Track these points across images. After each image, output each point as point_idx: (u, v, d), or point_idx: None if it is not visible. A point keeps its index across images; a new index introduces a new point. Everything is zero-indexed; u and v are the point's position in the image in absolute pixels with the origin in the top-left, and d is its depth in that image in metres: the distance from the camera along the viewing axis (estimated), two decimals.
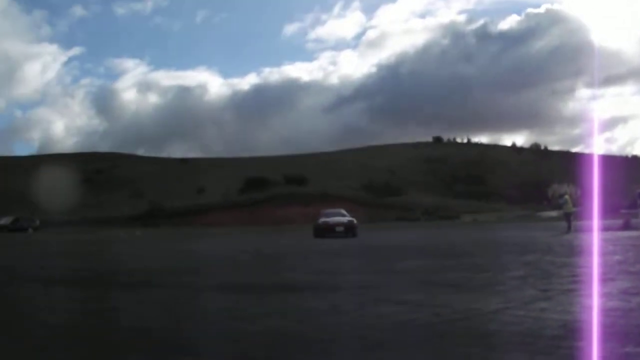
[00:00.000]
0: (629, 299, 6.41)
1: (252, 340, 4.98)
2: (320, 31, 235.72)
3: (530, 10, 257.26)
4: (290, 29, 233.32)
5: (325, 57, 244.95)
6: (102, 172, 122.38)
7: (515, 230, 32.81)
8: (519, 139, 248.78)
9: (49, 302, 7.75)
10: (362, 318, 5.86)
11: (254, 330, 5.36)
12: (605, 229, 24.94)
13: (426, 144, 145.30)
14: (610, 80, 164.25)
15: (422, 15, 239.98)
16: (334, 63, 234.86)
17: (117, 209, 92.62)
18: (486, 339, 4.70)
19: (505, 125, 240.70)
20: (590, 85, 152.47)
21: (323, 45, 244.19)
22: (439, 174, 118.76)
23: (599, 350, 4.13)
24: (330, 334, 5.14)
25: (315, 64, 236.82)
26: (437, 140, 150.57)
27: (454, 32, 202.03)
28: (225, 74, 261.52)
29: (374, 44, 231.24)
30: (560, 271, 9.61)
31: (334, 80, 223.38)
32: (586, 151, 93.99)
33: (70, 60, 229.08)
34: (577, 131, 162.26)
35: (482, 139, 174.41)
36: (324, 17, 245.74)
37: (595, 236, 20.31)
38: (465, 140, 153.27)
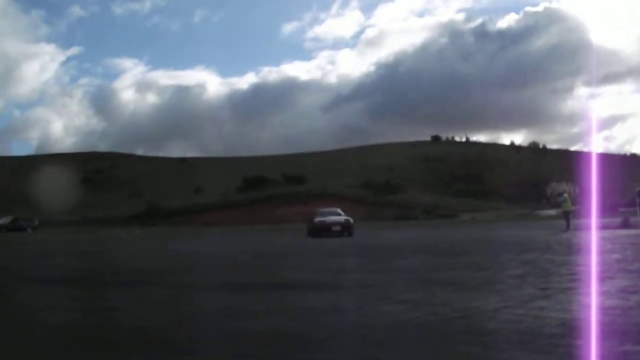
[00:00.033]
0: (627, 298, 6.42)
1: (252, 340, 4.98)
2: (319, 30, 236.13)
3: (528, 8, 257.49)
4: (288, 28, 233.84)
5: (323, 56, 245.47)
6: (100, 172, 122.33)
7: (513, 228, 32.82)
8: (518, 137, 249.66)
9: (49, 302, 7.76)
10: (362, 317, 5.86)
11: (254, 330, 5.36)
12: (603, 227, 24.96)
13: (425, 142, 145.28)
14: (609, 78, 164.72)
15: (421, 14, 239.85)
16: (332, 62, 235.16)
17: (116, 208, 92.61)
18: (485, 338, 4.71)
19: (503, 124, 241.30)
20: (588, 83, 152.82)
21: (321, 44, 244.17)
22: (438, 172, 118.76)
23: (598, 348, 4.14)
24: (330, 332, 5.15)
25: (313, 63, 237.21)
26: (436, 139, 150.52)
27: (452, 31, 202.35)
28: (224, 73, 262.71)
29: (372, 43, 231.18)
30: (559, 270, 9.62)
31: (332, 79, 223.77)
32: (585, 149, 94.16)
33: (68, 59, 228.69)
34: (575, 129, 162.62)
35: (481, 137, 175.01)
36: (322, 16, 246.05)
37: (593, 234, 20.33)
38: (463, 139, 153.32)
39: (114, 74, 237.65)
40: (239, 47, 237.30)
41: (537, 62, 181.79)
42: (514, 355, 4.15)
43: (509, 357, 4.11)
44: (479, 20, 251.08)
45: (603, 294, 6.69)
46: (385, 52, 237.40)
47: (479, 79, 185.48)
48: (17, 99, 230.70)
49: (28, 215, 60.06)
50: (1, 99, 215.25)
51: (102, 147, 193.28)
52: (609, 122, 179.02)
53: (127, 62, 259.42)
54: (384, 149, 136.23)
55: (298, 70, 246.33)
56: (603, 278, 8.10)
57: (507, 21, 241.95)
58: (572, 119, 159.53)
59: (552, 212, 58.83)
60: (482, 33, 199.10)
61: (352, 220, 29.03)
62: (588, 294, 6.75)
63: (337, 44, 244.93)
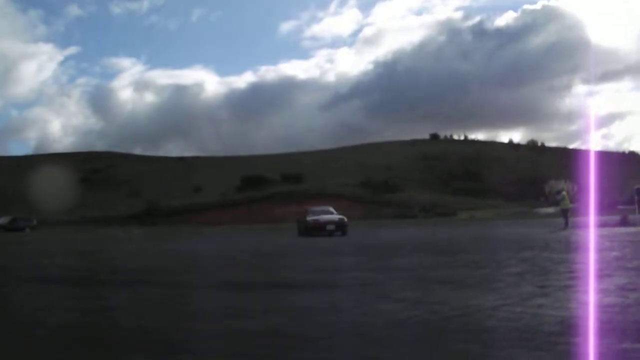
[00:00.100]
0: (626, 295, 6.42)
1: (251, 339, 4.98)
2: (317, 29, 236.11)
3: (526, 6, 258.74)
4: (286, 26, 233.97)
5: (321, 55, 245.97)
6: (99, 172, 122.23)
7: (512, 226, 32.86)
8: (516, 135, 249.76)
9: (48, 302, 7.74)
10: (360, 315, 5.86)
11: (252, 329, 5.36)
12: (602, 225, 25.00)
13: (423, 141, 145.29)
14: (607, 76, 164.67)
15: (419, 12, 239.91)
16: (330, 61, 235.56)
17: (115, 208, 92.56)
18: (484, 336, 4.70)
19: (502, 122, 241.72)
20: (586, 81, 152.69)
21: (319, 42, 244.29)
22: (436, 171, 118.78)
23: (597, 346, 4.14)
24: (328, 331, 5.14)
25: (311, 62, 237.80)
26: (434, 137, 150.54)
27: (450, 29, 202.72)
28: (222, 72, 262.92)
29: (370, 41, 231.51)
30: (557, 267, 9.63)
31: (330, 78, 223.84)
32: (583, 147, 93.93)
33: (66, 59, 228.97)
34: (574, 127, 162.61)
35: (479, 135, 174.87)
36: (320, 14, 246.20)
37: (592, 232, 20.34)
38: (462, 137, 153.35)
39: (112, 74, 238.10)
40: (237, 46, 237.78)
41: (535, 60, 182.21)
42: (512, 353, 4.14)
43: (508, 355, 4.11)
44: (477, 19, 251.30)
45: (601, 291, 6.69)
46: (383, 51, 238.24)
47: (477, 77, 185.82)
48: (15, 99, 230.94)
49: (26, 215, 60.00)
50: None
51: (100, 146, 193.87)
52: (607, 120, 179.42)
53: (125, 62, 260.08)
54: (382, 148, 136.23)
55: (296, 69, 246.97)
56: (601, 276, 8.11)
57: (505, 19, 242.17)
58: (571, 116, 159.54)
59: (551, 210, 58.90)
60: (480, 31, 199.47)
61: (346, 219, 28.65)
62: (586, 292, 6.75)
63: (335, 43, 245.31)
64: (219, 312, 6.40)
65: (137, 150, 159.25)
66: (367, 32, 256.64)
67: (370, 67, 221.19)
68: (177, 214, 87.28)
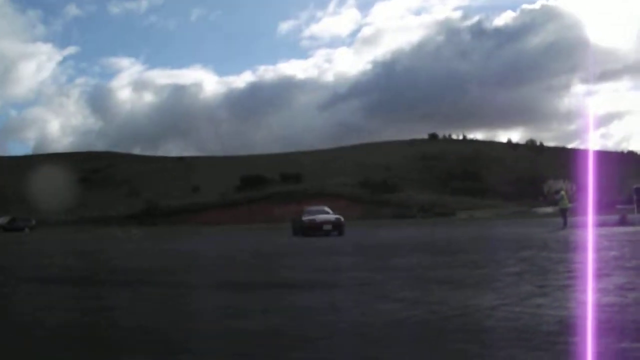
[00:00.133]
0: (625, 295, 6.43)
1: (251, 339, 4.98)
2: (315, 28, 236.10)
3: (525, 6, 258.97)
4: (285, 26, 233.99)
5: (320, 55, 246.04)
6: (98, 172, 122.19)
7: (511, 226, 32.88)
8: (515, 135, 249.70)
9: (47, 302, 7.75)
10: (360, 315, 5.87)
11: (252, 329, 5.37)
12: (601, 224, 25.03)
13: (422, 140, 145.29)
14: (606, 76, 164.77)
15: (418, 12, 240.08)
16: (329, 60, 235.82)
17: (114, 208, 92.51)
18: (482, 336, 4.71)
19: (500, 122, 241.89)
20: (585, 81, 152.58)
21: (318, 42, 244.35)
22: (435, 170, 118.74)
23: (595, 346, 4.15)
24: (328, 331, 5.15)
25: (310, 62, 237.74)
26: (433, 137, 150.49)
27: (449, 29, 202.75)
28: (221, 72, 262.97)
29: (369, 41, 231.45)
30: (556, 267, 9.64)
31: (329, 77, 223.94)
32: (582, 147, 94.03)
33: (65, 59, 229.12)
34: (572, 127, 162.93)
35: (478, 135, 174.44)
36: (319, 14, 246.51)
37: (591, 232, 20.36)
38: (460, 137, 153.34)
39: (111, 74, 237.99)
40: (236, 45, 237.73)
41: (534, 59, 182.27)
42: (511, 352, 4.15)
43: (507, 354, 4.12)
44: (476, 18, 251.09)
45: (600, 291, 6.70)
46: (382, 50, 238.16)
47: (476, 76, 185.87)
48: (14, 99, 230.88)
49: (25, 215, 60.01)
50: None
51: (99, 146, 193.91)
52: (605, 120, 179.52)
53: (123, 62, 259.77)
54: (381, 148, 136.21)
55: (295, 68, 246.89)
56: (600, 275, 8.12)
57: (503, 19, 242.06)
58: (569, 116, 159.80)
59: (549, 209, 58.98)
60: (479, 31, 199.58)
61: (343, 219, 28.39)
62: (585, 292, 6.76)
63: (334, 42, 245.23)
64: (218, 312, 6.40)
65: (137, 150, 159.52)
66: (366, 31, 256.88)
67: (369, 67, 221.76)
68: (177, 213, 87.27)
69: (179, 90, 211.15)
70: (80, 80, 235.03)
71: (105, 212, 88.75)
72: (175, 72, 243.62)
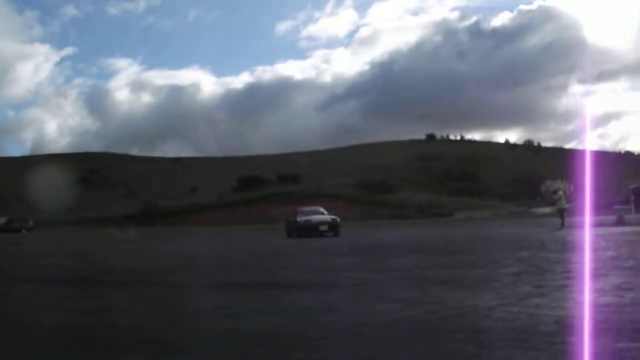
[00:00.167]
0: (622, 295, 6.45)
1: (249, 339, 4.99)
2: (313, 29, 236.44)
3: (522, 7, 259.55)
4: (282, 27, 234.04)
5: (318, 55, 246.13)
6: (95, 172, 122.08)
7: (508, 226, 32.90)
8: (512, 135, 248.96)
9: (46, 302, 7.75)
10: (358, 315, 5.88)
11: (250, 329, 5.37)
12: (598, 225, 25.04)
13: (419, 141, 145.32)
14: (603, 76, 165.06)
15: (415, 13, 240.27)
16: (326, 61, 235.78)
17: (111, 208, 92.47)
18: (480, 336, 4.72)
19: (498, 122, 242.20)
20: (583, 81, 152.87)
21: (316, 43, 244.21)
22: (433, 171, 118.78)
23: (593, 345, 4.16)
24: (326, 331, 5.16)
25: (308, 62, 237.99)
26: (430, 137, 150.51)
27: (446, 30, 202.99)
28: (218, 72, 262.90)
29: (366, 42, 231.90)
30: (554, 267, 9.65)
31: (327, 78, 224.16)
32: (579, 147, 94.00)
33: (62, 60, 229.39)
34: (570, 127, 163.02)
35: (475, 135, 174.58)
36: (316, 15, 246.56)
37: (588, 232, 20.38)
38: (458, 138, 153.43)
39: (108, 74, 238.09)
40: (233, 46, 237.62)
41: (531, 60, 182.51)
42: (509, 353, 4.16)
43: (504, 355, 4.13)
44: (473, 19, 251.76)
45: (598, 291, 6.71)
46: (379, 51, 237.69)
47: (474, 77, 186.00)
48: (12, 100, 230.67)
49: (23, 216, 59.96)
50: None
51: (97, 147, 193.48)
52: (603, 120, 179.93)
53: (121, 62, 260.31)
54: (379, 148, 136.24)
55: (292, 69, 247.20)
56: (598, 275, 8.13)
57: (501, 19, 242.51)
58: (567, 116, 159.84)
59: (547, 209, 58.98)
60: (476, 31, 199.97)
61: (338, 220, 28.26)
62: (583, 292, 6.77)
63: (332, 43, 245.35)
64: (217, 313, 6.41)
65: (134, 151, 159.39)
66: (364, 32, 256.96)
67: (367, 67, 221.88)
68: (174, 214, 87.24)
69: (176, 91, 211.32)
70: (77, 81, 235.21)
71: (103, 212, 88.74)
72: (173, 72, 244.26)
